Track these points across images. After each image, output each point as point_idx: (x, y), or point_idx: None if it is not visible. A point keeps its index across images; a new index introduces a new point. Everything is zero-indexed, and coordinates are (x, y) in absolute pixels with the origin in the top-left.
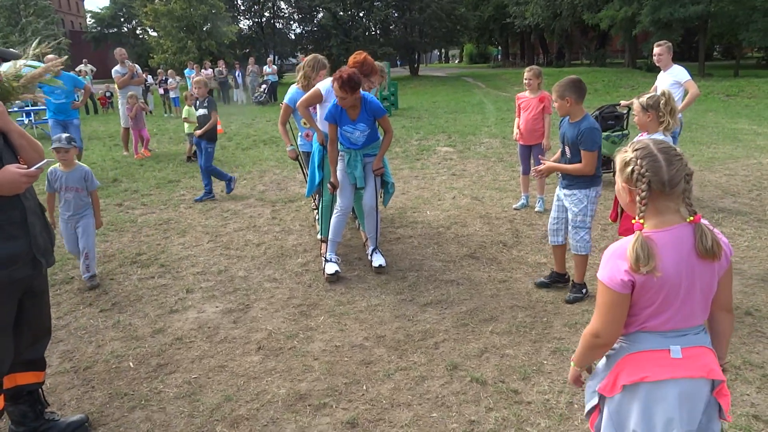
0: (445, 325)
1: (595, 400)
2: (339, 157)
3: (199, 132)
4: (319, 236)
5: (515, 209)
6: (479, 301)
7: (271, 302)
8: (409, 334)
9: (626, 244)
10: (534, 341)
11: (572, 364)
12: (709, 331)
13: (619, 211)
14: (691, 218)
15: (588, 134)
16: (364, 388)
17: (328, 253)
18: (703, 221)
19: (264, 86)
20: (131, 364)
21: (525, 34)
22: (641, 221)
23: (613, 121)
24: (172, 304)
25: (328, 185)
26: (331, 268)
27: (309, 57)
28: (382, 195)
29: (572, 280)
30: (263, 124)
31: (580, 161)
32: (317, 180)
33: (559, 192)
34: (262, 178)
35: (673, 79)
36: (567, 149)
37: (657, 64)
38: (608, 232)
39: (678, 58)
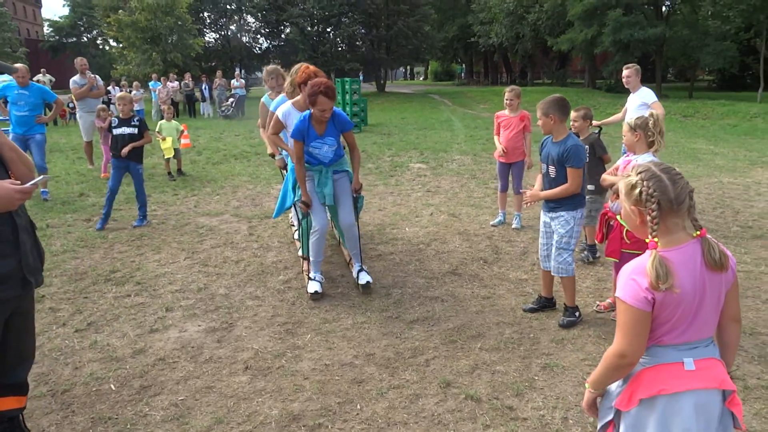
0: (433, 342)
1: (609, 416)
2: (308, 177)
3: (125, 150)
4: (299, 253)
5: (493, 226)
6: (465, 318)
7: (255, 320)
8: (398, 352)
9: (644, 262)
10: (523, 357)
11: (587, 386)
12: (718, 341)
13: (604, 231)
14: (698, 232)
15: (575, 151)
16: (358, 407)
17: (311, 272)
18: (708, 235)
19: (231, 100)
20: (113, 386)
21: (489, 53)
22: (655, 240)
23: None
24: (151, 323)
25: (300, 205)
26: (313, 287)
27: (297, 65)
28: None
29: (565, 304)
30: (232, 138)
31: (565, 180)
32: (289, 202)
33: (545, 217)
34: (235, 194)
35: (641, 100)
36: (551, 168)
37: (626, 86)
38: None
39: None
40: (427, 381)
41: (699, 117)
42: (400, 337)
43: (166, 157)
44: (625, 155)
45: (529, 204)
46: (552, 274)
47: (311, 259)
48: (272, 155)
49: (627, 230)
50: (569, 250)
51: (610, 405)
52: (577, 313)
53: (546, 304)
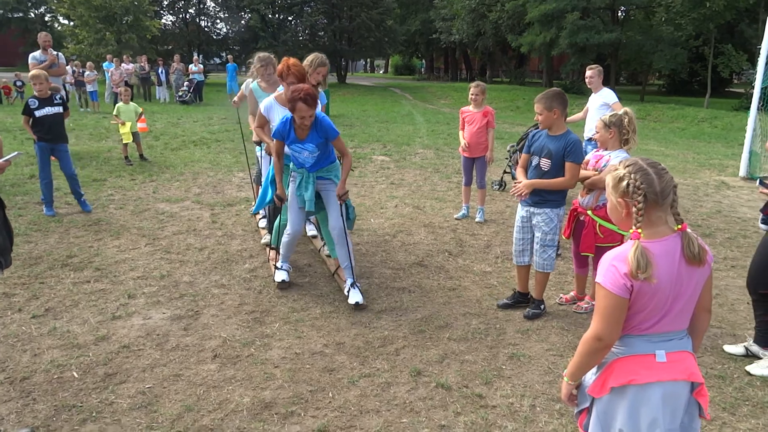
0: (402, 332)
1: (585, 403)
2: (291, 179)
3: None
4: (263, 241)
5: (456, 219)
6: (432, 309)
7: (222, 309)
8: (368, 341)
9: (625, 251)
10: (491, 347)
11: (565, 379)
12: (688, 328)
13: (573, 227)
14: (679, 226)
15: (577, 147)
16: (330, 395)
17: (279, 261)
18: (688, 230)
19: (187, 84)
20: (75, 374)
21: (450, 49)
22: (639, 230)
23: None
24: (113, 309)
25: (275, 197)
26: (280, 276)
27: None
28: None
29: (531, 296)
30: (191, 125)
31: (559, 174)
32: (270, 196)
33: (523, 212)
34: (196, 180)
35: (602, 100)
36: (543, 162)
37: (588, 86)
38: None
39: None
40: (398, 370)
41: (650, 120)
42: (369, 327)
43: (124, 142)
44: (595, 150)
45: (524, 195)
46: (535, 269)
47: (281, 254)
48: (258, 143)
49: (599, 225)
50: (553, 247)
51: (585, 392)
52: (542, 306)
53: (521, 299)
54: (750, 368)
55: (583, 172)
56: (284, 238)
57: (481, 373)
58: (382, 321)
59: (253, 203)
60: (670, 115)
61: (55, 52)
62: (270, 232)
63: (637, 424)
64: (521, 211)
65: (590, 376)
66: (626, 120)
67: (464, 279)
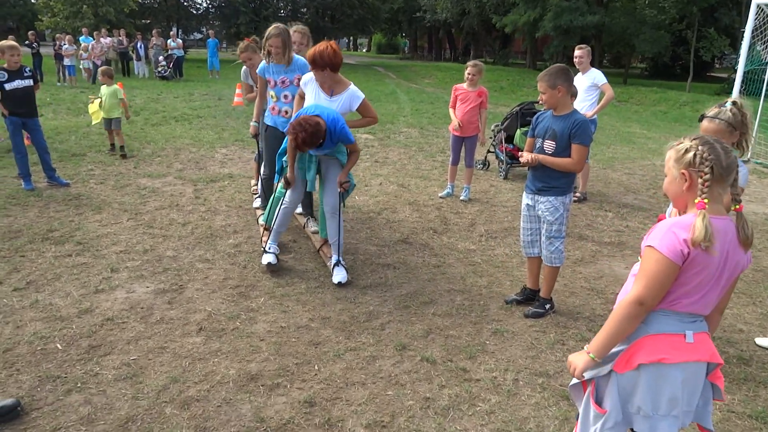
0: (387, 308)
1: (594, 373)
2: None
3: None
4: (260, 221)
5: (441, 197)
6: (417, 285)
7: (206, 283)
8: (353, 316)
9: (687, 219)
10: (474, 323)
11: (591, 356)
12: None
13: None
14: (736, 206)
15: (584, 127)
16: (316, 368)
17: (269, 243)
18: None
19: (162, 60)
20: (59, 345)
21: (434, 28)
22: (705, 200)
23: (531, 117)
24: (96, 283)
25: (283, 180)
26: (267, 258)
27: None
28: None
29: (538, 295)
30: (171, 100)
31: (567, 156)
32: (277, 167)
33: (528, 200)
34: (178, 156)
35: (591, 81)
36: (547, 143)
37: (577, 66)
38: (587, 242)
39: (571, 63)
40: (383, 344)
41: (633, 103)
42: (355, 302)
43: (93, 122)
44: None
45: (532, 160)
46: (544, 263)
47: (274, 227)
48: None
49: None
50: (560, 238)
51: (598, 364)
52: (548, 305)
53: (531, 296)
54: (758, 340)
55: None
56: (282, 207)
57: (465, 348)
58: (368, 296)
59: (255, 182)
60: (653, 99)
61: None
62: (264, 209)
63: (657, 402)
64: (526, 199)
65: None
66: (747, 117)
67: (449, 256)
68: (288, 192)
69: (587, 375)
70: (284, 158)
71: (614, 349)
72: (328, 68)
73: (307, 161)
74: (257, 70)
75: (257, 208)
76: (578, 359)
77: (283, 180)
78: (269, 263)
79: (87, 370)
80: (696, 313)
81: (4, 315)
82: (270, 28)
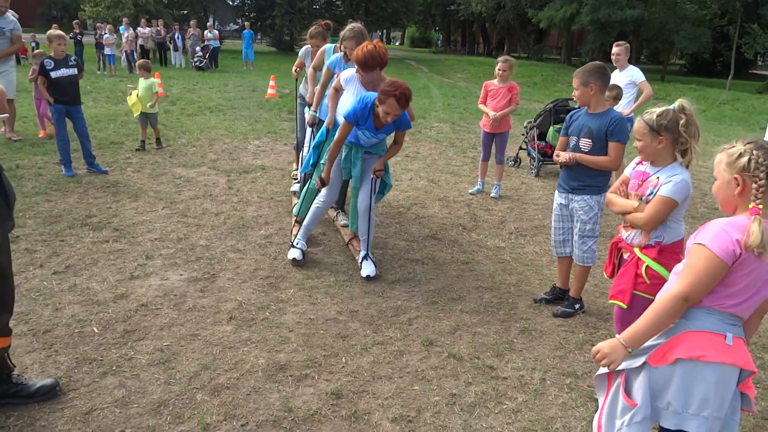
0: (415, 303)
1: (626, 365)
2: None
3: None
4: (294, 211)
5: (471, 194)
6: (445, 281)
7: (237, 273)
8: (381, 310)
9: (740, 221)
10: (502, 321)
11: (622, 341)
12: None
13: (616, 263)
14: None
15: (621, 124)
16: (344, 360)
17: (297, 239)
18: None
19: (199, 50)
20: (95, 329)
21: (468, 22)
22: (759, 206)
23: (565, 114)
24: (131, 269)
25: (317, 180)
26: (293, 253)
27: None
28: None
29: (568, 294)
30: (206, 91)
31: (603, 154)
32: (312, 159)
33: (561, 199)
34: (212, 147)
35: (628, 79)
36: (583, 141)
37: (614, 63)
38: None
39: (608, 59)
40: (411, 339)
41: (670, 100)
42: (383, 296)
43: (135, 115)
44: (636, 162)
45: (570, 159)
46: (576, 262)
47: (305, 223)
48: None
49: (647, 266)
50: (594, 238)
51: (630, 356)
52: (577, 305)
53: (560, 295)
54: None
55: (620, 202)
56: (314, 206)
57: (492, 346)
58: (396, 291)
59: (296, 167)
60: (691, 96)
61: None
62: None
63: (688, 399)
64: (559, 198)
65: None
66: (683, 120)
67: (477, 253)
68: (324, 191)
69: (619, 366)
70: (321, 152)
71: (650, 342)
72: (378, 68)
73: (353, 156)
74: (328, 62)
75: (294, 193)
76: (612, 349)
77: (318, 181)
78: (294, 259)
79: (122, 354)
80: (737, 316)
81: (44, 297)
82: (346, 30)
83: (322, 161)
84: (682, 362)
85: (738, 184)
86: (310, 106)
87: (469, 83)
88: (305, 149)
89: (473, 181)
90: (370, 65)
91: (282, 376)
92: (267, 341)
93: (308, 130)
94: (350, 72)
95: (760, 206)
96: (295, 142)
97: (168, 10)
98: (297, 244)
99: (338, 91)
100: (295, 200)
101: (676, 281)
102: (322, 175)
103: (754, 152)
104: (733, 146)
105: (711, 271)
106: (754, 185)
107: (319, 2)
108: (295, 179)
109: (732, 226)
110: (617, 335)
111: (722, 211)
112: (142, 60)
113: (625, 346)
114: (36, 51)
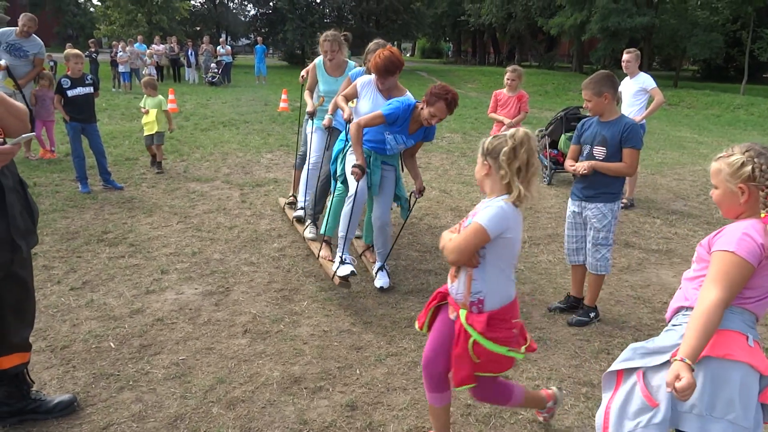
0: None
1: (643, 363)
2: (350, 152)
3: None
4: (306, 234)
5: None
6: None
7: (251, 286)
8: (395, 321)
9: (755, 225)
10: None
11: (686, 360)
12: None
13: (430, 317)
14: None
15: (635, 130)
16: (358, 372)
17: (341, 252)
18: None
19: (214, 66)
20: (112, 344)
21: (478, 32)
22: None
23: (576, 122)
24: (147, 284)
25: (355, 169)
26: (345, 270)
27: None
28: (399, 209)
29: (582, 302)
30: (219, 106)
31: (618, 161)
32: (332, 170)
33: (575, 207)
34: (225, 161)
35: (639, 86)
36: (597, 150)
37: (625, 70)
38: (633, 249)
39: (619, 66)
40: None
41: (684, 106)
42: (396, 308)
43: (146, 133)
44: None
45: (586, 170)
46: (589, 271)
47: (341, 233)
48: (312, 114)
49: (474, 341)
50: (608, 246)
51: (648, 354)
52: (592, 314)
53: (575, 304)
54: None
55: (444, 237)
56: (346, 206)
57: None
58: (409, 302)
59: (291, 189)
60: (705, 102)
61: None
62: (309, 217)
63: (713, 401)
64: (572, 206)
65: (667, 342)
66: (507, 149)
67: None
68: (351, 186)
69: (634, 364)
70: (339, 164)
71: (671, 342)
72: (397, 71)
73: (372, 164)
74: (350, 74)
75: (297, 219)
76: (683, 372)
77: (356, 170)
78: (351, 273)
79: (138, 369)
80: (755, 314)
81: (62, 313)
82: (371, 45)
83: (340, 167)
84: (707, 361)
85: (743, 193)
86: (312, 116)
87: (480, 93)
88: (301, 135)
89: None
90: (390, 70)
91: (297, 389)
92: (281, 354)
93: (309, 122)
94: (367, 77)
95: None
96: (297, 160)
97: (181, 27)
98: (346, 259)
99: (346, 98)
100: (298, 226)
101: (711, 288)
102: (358, 161)
103: (756, 160)
104: (731, 154)
105: (741, 276)
106: (762, 193)
107: (331, 16)
108: (292, 203)
109: (750, 229)
110: (676, 358)
111: (725, 217)
112: (148, 78)
113: (690, 364)
114: (41, 81)
